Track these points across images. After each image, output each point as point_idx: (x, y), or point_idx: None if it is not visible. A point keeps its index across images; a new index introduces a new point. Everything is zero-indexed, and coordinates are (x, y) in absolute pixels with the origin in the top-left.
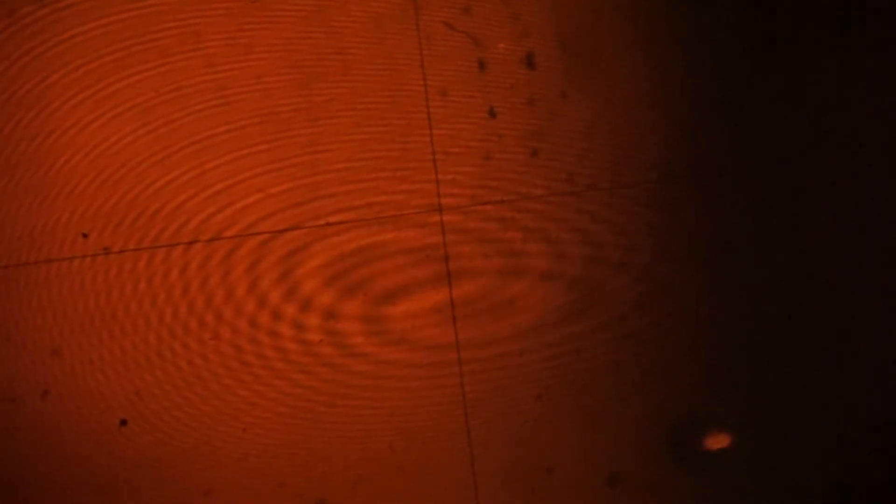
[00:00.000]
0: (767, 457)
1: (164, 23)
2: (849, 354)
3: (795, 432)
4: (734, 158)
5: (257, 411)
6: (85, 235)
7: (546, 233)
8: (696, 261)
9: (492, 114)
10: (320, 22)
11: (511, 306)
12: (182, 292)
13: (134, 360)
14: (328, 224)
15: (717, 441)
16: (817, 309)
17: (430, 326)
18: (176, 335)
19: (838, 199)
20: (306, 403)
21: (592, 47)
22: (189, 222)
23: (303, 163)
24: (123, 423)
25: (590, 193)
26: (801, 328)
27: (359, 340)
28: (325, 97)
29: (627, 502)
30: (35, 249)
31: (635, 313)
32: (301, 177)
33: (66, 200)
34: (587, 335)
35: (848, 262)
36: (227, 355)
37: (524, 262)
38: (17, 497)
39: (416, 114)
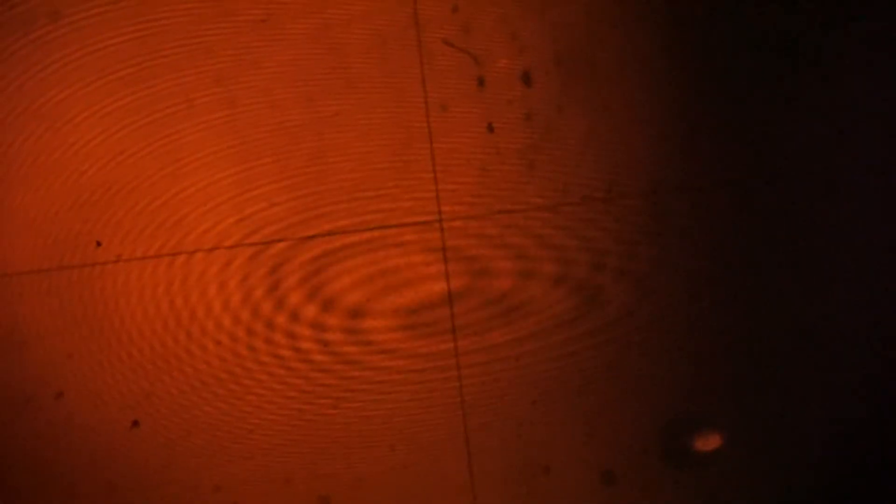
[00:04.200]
0: (759, 456)
1: (176, 40)
2: (841, 356)
3: (786, 432)
4: (727, 169)
5: (264, 413)
6: (99, 244)
7: (543, 242)
8: (688, 268)
9: (490, 128)
10: (326, 40)
11: (508, 313)
12: (193, 298)
13: (146, 363)
14: (333, 234)
15: (710, 441)
16: (809, 312)
17: (431, 332)
18: (187, 339)
19: (832, 208)
20: (311, 405)
21: (587, 64)
22: (200, 232)
23: (309, 174)
24: (135, 423)
25: (585, 204)
26: (793, 331)
27: (359, 346)
28: (329, 111)
29: (622, 500)
30: (51, 257)
31: (630, 319)
32: (306, 189)
33: (80, 210)
34: (583, 340)
35: (841, 267)
36: (237, 359)
37: (521, 271)
38: (31, 494)
39: (417, 128)
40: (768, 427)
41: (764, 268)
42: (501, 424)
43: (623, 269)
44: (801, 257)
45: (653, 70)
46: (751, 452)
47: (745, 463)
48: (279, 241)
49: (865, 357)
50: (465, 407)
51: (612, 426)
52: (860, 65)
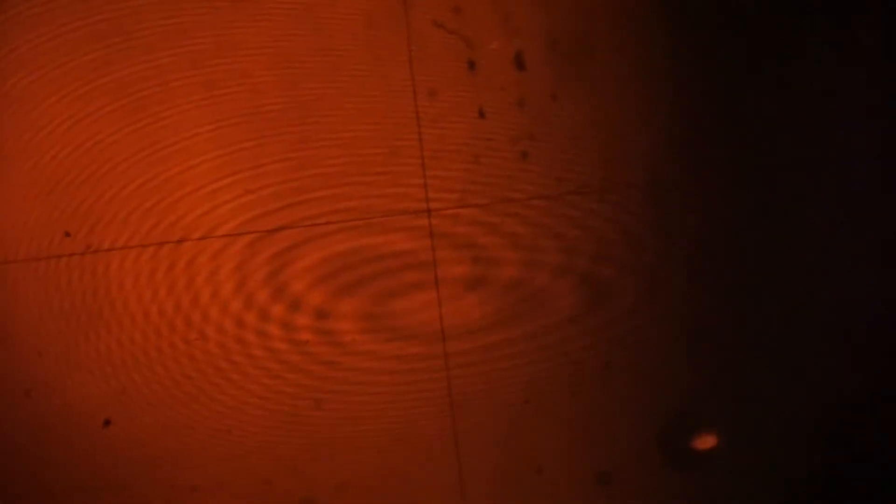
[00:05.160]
0: (755, 456)
1: (151, 20)
2: (837, 356)
3: (783, 432)
4: (723, 162)
5: (244, 411)
6: (68, 234)
7: (534, 237)
8: (683, 265)
9: (481, 115)
10: (308, 20)
11: (498, 310)
12: (167, 291)
13: (119, 359)
14: (315, 224)
15: (706, 441)
16: (806, 311)
17: (417, 329)
18: (161, 334)
19: (830, 203)
20: (293, 404)
21: (583, 49)
22: (175, 221)
23: (290, 162)
24: (107, 423)
25: (578, 197)
26: (790, 330)
27: (345, 342)
28: (312, 96)
29: (618, 500)
30: (18, 247)
31: (624, 317)
32: (288, 176)
33: (49, 198)
34: (575, 338)
35: (837, 263)
36: (214, 355)
37: (511, 266)
38: (1, 493)
39: (404, 114)
40: (768, 427)
41: (764, 267)
42: (492, 424)
43: (619, 266)
44: (801, 256)
45: (651, 56)
46: (750, 453)
47: (744, 463)
48: (253, 232)
49: (868, 358)
50: (454, 406)
51: (608, 425)
52: (860, 64)
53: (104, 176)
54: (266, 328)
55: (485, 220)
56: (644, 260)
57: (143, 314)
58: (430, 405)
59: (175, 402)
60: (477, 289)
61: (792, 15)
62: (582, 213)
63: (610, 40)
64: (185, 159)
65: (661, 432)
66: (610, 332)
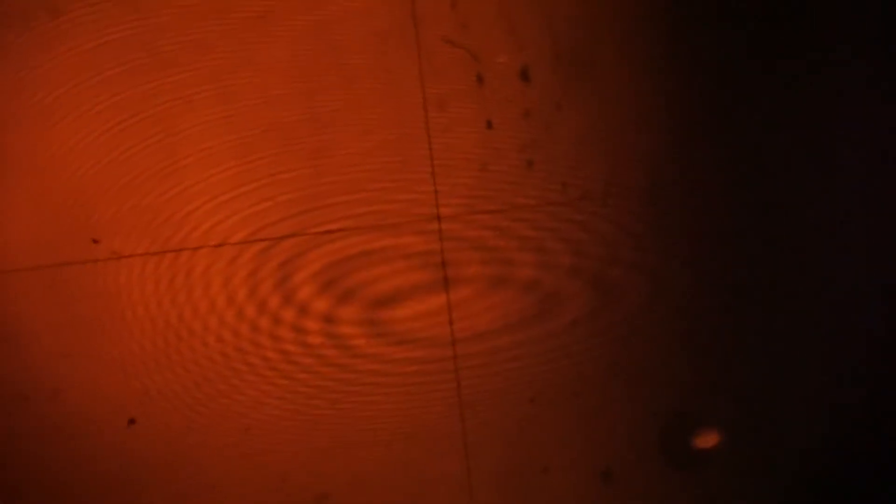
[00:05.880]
0: (757, 455)
1: (173, 37)
2: (837, 356)
3: (783, 432)
4: (725, 167)
5: (261, 411)
6: (95, 241)
7: (540, 241)
8: (687, 266)
9: (489, 125)
10: (322, 37)
11: (505, 312)
12: (188, 296)
13: (142, 361)
14: (329, 231)
15: (709, 439)
16: (806, 311)
17: (428, 330)
18: (183, 338)
19: (830, 203)
20: (309, 404)
21: (587, 60)
22: (195, 229)
23: (305, 172)
24: (132, 422)
25: (582, 203)
26: (790, 330)
27: (358, 343)
28: (327, 109)
29: (621, 499)
30: (47, 253)
31: (627, 318)
32: (304, 186)
33: (77, 207)
34: (580, 340)
35: (837, 263)
36: (232, 357)
37: (518, 270)
38: (27, 494)
39: (415, 125)
40: (769, 427)
41: (765, 266)
42: (500, 423)
43: (621, 268)
44: (801, 256)
45: (653, 66)
46: (751, 452)
47: (746, 462)
48: (268, 238)
49: (869, 358)
50: (463, 405)
51: (612, 425)
52: (860, 64)
53: (128, 186)
54: (280, 332)
55: (492, 226)
56: (646, 261)
57: (164, 318)
58: (440, 405)
59: (196, 402)
60: (486, 292)
61: (792, 15)
62: (587, 216)
63: (611, 47)
64: (204, 170)
65: (663, 432)
66: (613, 333)
